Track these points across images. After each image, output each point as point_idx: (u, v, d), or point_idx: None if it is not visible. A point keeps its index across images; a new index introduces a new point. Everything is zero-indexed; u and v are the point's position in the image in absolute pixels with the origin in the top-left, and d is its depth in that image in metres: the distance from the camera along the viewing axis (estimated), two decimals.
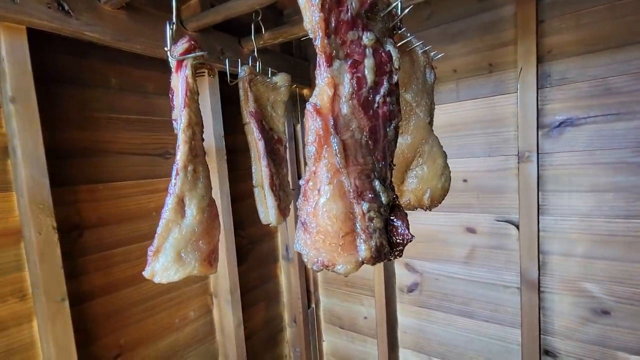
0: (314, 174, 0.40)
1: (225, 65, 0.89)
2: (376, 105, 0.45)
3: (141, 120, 1.12)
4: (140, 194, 1.11)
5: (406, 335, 1.46)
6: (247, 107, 0.82)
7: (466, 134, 1.22)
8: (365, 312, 1.58)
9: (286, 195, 0.94)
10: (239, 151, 1.36)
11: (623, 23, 0.94)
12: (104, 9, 0.86)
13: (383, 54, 0.46)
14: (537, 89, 1.01)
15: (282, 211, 0.88)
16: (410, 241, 0.50)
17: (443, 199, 0.68)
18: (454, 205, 1.26)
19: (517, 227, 1.13)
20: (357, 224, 0.43)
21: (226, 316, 1.29)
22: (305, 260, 0.43)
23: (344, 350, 1.68)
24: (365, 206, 0.43)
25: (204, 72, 0.75)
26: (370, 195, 0.43)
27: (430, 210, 0.68)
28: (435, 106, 1.18)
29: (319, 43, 0.39)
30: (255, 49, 0.89)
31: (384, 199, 0.45)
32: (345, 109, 0.42)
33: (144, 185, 1.12)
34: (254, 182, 0.85)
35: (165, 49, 0.63)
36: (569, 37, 1.00)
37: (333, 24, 0.41)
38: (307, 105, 0.39)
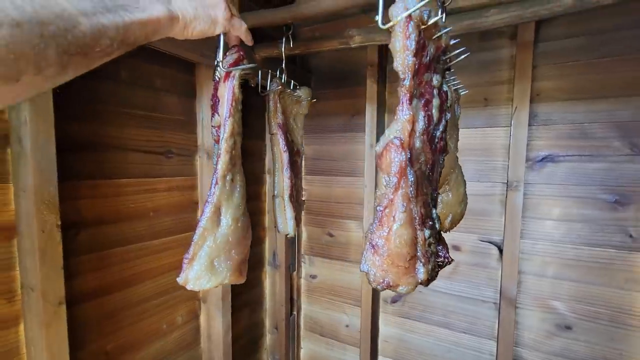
0: (392, 202, 0.44)
1: (258, 76, 0.89)
2: (436, 140, 0.50)
3: (147, 116, 1.08)
4: (139, 192, 1.07)
5: (387, 344, 1.53)
6: (276, 119, 0.83)
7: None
8: (347, 320, 1.63)
9: (299, 205, 0.96)
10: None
11: (598, 79, 1.09)
12: None
13: (443, 93, 0.51)
14: (528, 126, 1.14)
15: (297, 222, 0.90)
16: (450, 264, 0.55)
17: (460, 222, 0.75)
18: None
19: (499, 247, 1.25)
20: (419, 249, 0.47)
21: (215, 323, 1.26)
22: (371, 279, 0.47)
23: (322, 357, 1.70)
24: (427, 233, 0.47)
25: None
26: (430, 223, 0.48)
27: (448, 232, 0.74)
28: None
29: (407, 83, 0.43)
30: (283, 62, 0.90)
31: (437, 225, 0.50)
32: (417, 144, 0.46)
33: (144, 184, 1.08)
34: (275, 192, 0.86)
35: (218, 59, 0.63)
36: (555, 84, 1.14)
37: (417, 67, 0.45)
38: (392, 140, 0.43)
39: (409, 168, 0.43)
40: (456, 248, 1.35)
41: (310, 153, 1.62)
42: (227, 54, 0.66)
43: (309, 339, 1.75)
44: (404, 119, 0.44)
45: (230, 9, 0.56)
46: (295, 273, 1.71)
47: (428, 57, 0.46)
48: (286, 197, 0.85)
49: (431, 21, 0.41)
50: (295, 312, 1.72)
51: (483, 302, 1.31)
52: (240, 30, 0.62)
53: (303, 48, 1.04)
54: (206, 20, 0.52)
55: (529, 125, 1.16)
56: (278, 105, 0.83)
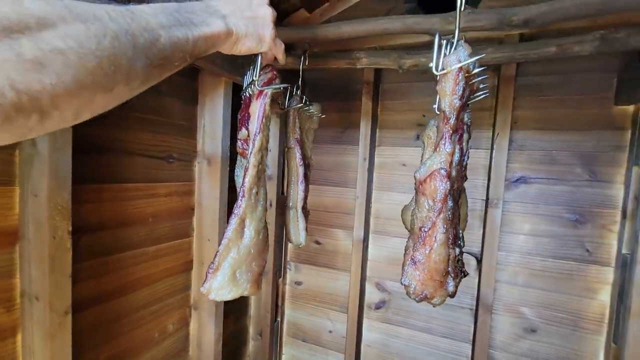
0: (434, 224, 0.50)
1: (286, 95, 0.93)
2: (463, 169, 0.57)
3: (152, 120, 1.06)
4: (141, 197, 1.04)
5: (369, 349, 1.60)
6: (294, 134, 0.87)
7: None
8: (331, 326, 1.67)
9: (305, 217, 0.99)
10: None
11: (567, 113, 1.25)
12: None
13: (469, 128, 0.59)
14: (508, 151, 1.27)
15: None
16: (465, 277, 0.63)
17: None
18: None
19: (477, 258, 1.37)
20: (450, 265, 0.53)
21: (206, 330, 1.25)
22: (411, 292, 0.52)
23: None
24: (457, 251, 0.54)
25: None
26: (458, 242, 0.55)
27: None
28: (418, 149, 1.40)
29: (452, 121, 0.50)
30: (300, 78, 0.94)
31: (462, 244, 0.57)
32: (454, 173, 0.53)
33: (145, 189, 1.06)
34: (290, 204, 0.89)
35: (254, 78, 0.66)
36: (530, 114, 1.29)
37: (460, 108, 0.52)
38: (439, 170, 0.50)
39: (449, 196, 0.50)
40: None
41: None
42: (261, 72, 0.69)
43: (291, 345, 1.77)
44: (447, 152, 0.50)
45: (273, 18, 0.58)
46: (280, 280, 1.73)
47: (464, 99, 0.53)
48: (299, 208, 0.88)
49: (475, 71, 0.48)
50: (279, 319, 1.74)
51: (461, 308, 1.42)
52: (280, 50, 0.64)
53: (313, 64, 1.08)
54: (255, 38, 0.55)
55: (508, 149, 1.29)
56: (297, 120, 0.86)
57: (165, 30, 0.40)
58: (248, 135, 0.73)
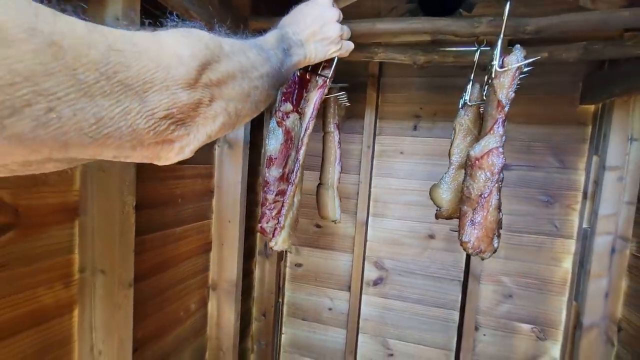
0: (491, 192, 0.62)
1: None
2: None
3: None
4: (171, 178, 1.06)
5: (367, 322, 1.74)
6: (334, 119, 0.95)
7: (437, 163, 1.60)
8: (330, 304, 1.78)
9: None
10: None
11: (540, 110, 1.47)
12: None
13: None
14: None
15: None
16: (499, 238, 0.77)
17: None
18: (422, 216, 1.62)
19: None
20: (496, 226, 0.66)
21: (225, 310, 1.29)
22: (469, 247, 0.64)
23: (304, 340, 1.83)
24: (501, 214, 0.67)
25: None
26: (501, 208, 0.68)
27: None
28: (415, 139, 1.56)
29: (507, 109, 0.63)
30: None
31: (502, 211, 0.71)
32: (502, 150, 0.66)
33: (175, 170, 1.07)
34: (328, 183, 0.97)
35: (325, 74, 0.73)
36: (512, 110, 1.49)
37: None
38: (497, 147, 0.61)
39: (502, 168, 0.62)
40: (431, 237, 1.63)
41: None
42: (325, 64, 0.75)
43: (291, 324, 1.85)
44: (500, 133, 0.62)
45: (342, 36, 0.64)
46: (281, 262, 1.80)
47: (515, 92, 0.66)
48: (335, 187, 0.97)
49: (526, 69, 0.61)
50: (280, 300, 1.81)
51: (451, 280, 1.61)
52: (346, 52, 0.69)
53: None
54: (323, 55, 0.62)
55: None
56: (335, 108, 0.95)
57: (285, 57, 0.49)
58: (292, 110, 0.80)
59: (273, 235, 0.75)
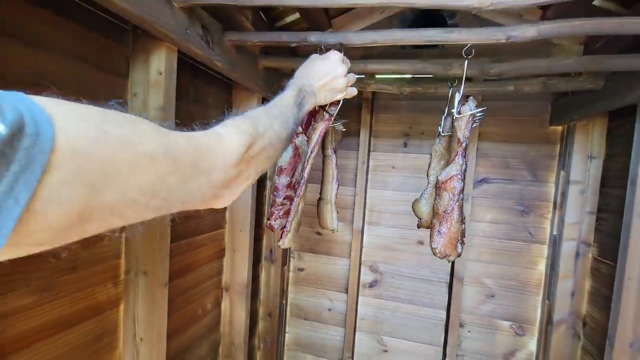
0: (453, 209, 0.80)
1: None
2: (465, 174, 0.89)
3: (202, 127, 1.25)
4: None
5: (363, 322, 1.90)
6: (332, 145, 1.13)
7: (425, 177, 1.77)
8: (329, 304, 1.95)
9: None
10: None
11: (516, 130, 1.65)
12: (226, 44, 1.04)
13: (466, 146, 0.90)
14: (476, 157, 1.65)
15: None
16: (464, 245, 0.94)
17: None
18: (412, 224, 1.79)
19: None
20: (459, 235, 0.84)
21: (237, 309, 1.46)
22: (438, 252, 0.82)
23: (306, 338, 1.99)
24: (463, 226, 0.85)
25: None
26: (464, 221, 0.86)
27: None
28: (405, 155, 1.74)
29: (464, 145, 0.80)
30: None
31: (464, 223, 0.89)
32: (462, 176, 0.84)
33: None
34: (327, 198, 1.15)
35: (330, 111, 0.91)
36: (491, 130, 1.68)
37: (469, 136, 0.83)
38: (456, 174, 0.80)
39: (462, 190, 0.80)
40: (421, 243, 1.80)
41: None
42: (332, 104, 0.91)
43: (294, 323, 2.02)
44: (460, 164, 0.80)
45: (348, 84, 0.76)
46: (285, 267, 1.97)
47: (470, 131, 0.84)
48: (333, 202, 1.15)
49: (479, 115, 0.79)
50: (284, 301, 1.98)
51: (439, 282, 1.78)
52: (351, 95, 0.81)
53: None
54: (330, 100, 0.76)
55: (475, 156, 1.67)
56: (333, 135, 1.13)
57: (297, 111, 0.62)
58: (302, 132, 0.96)
59: (281, 237, 0.94)
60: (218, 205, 0.46)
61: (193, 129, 0.42)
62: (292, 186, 0.99)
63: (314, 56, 0.75)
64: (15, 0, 0.65)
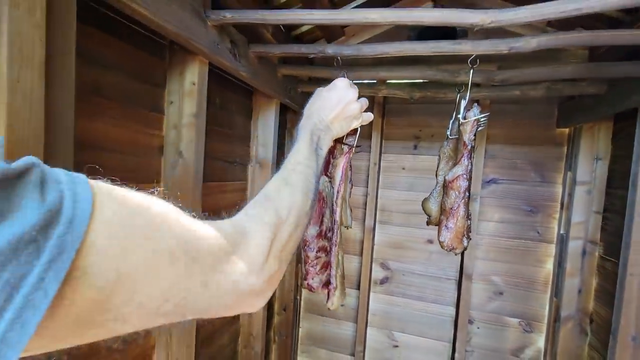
0: (459, 206, 0.87)
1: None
2: (471, 173, 0.96)
3: (227, 133, 1.36)
4: (219, 192, 1.34)
5: (374, 317, 1.97)
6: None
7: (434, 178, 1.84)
8: None
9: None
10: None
11: (523, 133, 1.71)
12: (251, 55, 1.14)
13: (473, 148, 0.98)
14: (484, 158, 1.71)
15: None
16: (470, 240, 1.01)
17: None
18: (421, 223, 1.86)
19: None
20: (465, 230, 0.92)
21: None
22: (445, 245, 0.90)
23: (319, 333, 2.07)
24: (469, 222, 0.92)
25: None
26: (469, 217, 0.93)
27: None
28: (415, 156, 1.80)
29: (470, 147, 0.88)
30: None
31: (470, 219, 0.96)
32: (468, 176, 0.92)
33: (222, 187, 1.35)
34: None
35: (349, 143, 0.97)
36: (499, 132, 1.74)
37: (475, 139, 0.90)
38: (462, 174, 0.87)
39: (468, 189, 0.87)
40: (430, 241, 1.87)
41: None
42: (350, 135, 0.83)
43: (308, 319, 2.10)
44: (465, 164, 0.88)
45: (361, 108, 0.68)
46: (299, 264, 2.06)
47: (476, 135, 0.91)
48: (347, 200, 1.23)
49: (482, 120, 0.86)
50: (298, 296, 2.06)
51: (448, 279, 1.84)
52: (368, 120, 0.74)
53: None
54: (347, 130, 0.68)
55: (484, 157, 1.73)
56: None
57: (317, 170, 0.56)
58: (322, 173, 0.85)
59: (328, 297, 0.89)
60: (249, 311, 0.40)
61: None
62: (323, 235, 0.89)
63: (318, 90, 0.68)
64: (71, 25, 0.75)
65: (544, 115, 1.67)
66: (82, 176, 0.24)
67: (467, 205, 0.89)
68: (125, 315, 0.25)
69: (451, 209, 0.88)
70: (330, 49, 1.00)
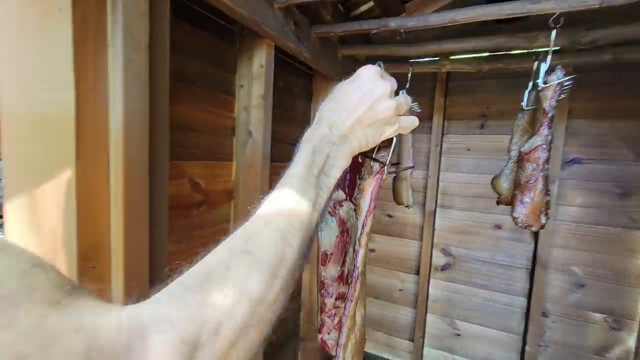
0: (537, 179, 0.81)
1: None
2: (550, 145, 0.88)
3: (289, 116, 1.42)
4: (274, 175, 1.40)
5: (435, 304, 1.93)
6: None
7: (503, 158, 1.71)
8: (400, 285, 2.01)
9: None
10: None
11: (614, 105, 1.50)
12: (312, 36, 1.17)
13: (552, 117, 0.89)
14: (565, 136, 1.54)
15: None
16: (548, 218, 0.93)
17: None
18: (488, 207, 1.75)
19: None
20: (543, 207, 0.85)
21: (314, 279, 1.62)
22: (519, 221, 0.84)
23: (377, 316, 2.09)
24: (548, 197, 0.85)
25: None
26: (548, 192, 0.86)
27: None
28: (482, 136, 1.68)
29: (550, 115, 0.80)
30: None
31: (550, 195, 0.88)
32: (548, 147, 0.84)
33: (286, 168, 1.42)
34: (401, 175, 1.22)
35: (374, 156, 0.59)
36: (583, 106, 1.54)
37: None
38: (541, 144, 0.80)
39: (547, 160, 0.81)
40: (498, 227, 1.75)
41: None
42: (382, 145, 0.57)
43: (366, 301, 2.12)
44: (545, 134, 0.80)
45: (399, 110, 0.46)
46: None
47: (557, 102, 0.83)
48: (409, 179, 1.21)
49: (567, 84, 0.78)
50: None
51: (518, 268, 1.72)
52: (409, 128, 0.51)
53: (408, 67, 1.39)
54: (377, 140, 0.47)
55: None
56: None
57: (316, 202, 0.40)
58: (346, 198, 0.70)
59: (335, 355, 0.65)
60: None
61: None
62: (345, 278, 0.71)
63: (339, 84, 0.48)
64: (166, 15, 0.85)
65: (639, 83, 1.45)
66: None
67: (546, 179, 0.82)
68: None
69: (527, 182, 0.82)
70: (393, 22, 0.98)
